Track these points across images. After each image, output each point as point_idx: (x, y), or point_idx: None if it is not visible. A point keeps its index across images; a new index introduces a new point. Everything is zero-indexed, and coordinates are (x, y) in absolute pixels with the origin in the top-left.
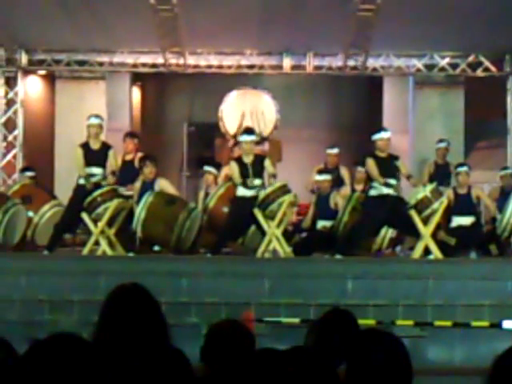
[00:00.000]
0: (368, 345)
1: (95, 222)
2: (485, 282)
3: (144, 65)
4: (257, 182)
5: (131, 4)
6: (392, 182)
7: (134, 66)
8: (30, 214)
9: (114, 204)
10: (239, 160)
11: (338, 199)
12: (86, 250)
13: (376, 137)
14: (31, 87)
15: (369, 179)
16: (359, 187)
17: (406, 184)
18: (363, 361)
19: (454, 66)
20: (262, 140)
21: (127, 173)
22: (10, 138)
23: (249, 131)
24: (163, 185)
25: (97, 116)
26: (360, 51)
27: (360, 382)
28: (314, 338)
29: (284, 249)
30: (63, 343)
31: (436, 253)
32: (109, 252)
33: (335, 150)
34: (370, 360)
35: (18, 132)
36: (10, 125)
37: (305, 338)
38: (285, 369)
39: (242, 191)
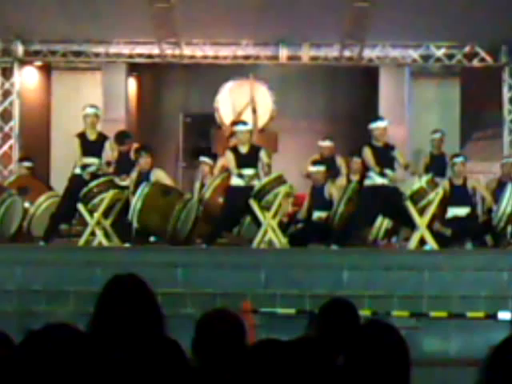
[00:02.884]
0: (366, 336)
1: (91, 212)
2: (480, 272)
3: (140, 55)
4: (251, 172)
5: None
6: (388, 172)
7: (130, 56)
8: (27, 204)
9: (110, 195)
10: (235, 149)
11: (332, 190)
12: (82, 241)
13: (372, 126)
14: (27, 78)
15: (365, 169)
16: (355, 178)
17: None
18: (361, 352)
19: (450, 57)
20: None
21: (123, 164)
22: (7, 128)
23: (245, 121)
24: (159, 175)
25: (92, 106)
26: (356, 42)
27: (358, 373)
28: (316, 329)
29: (280, 240)
30: (58, 333)
31: (432, 244)
32: (105, 243)
33: (327, 143)
34: (367, 351)
35: (15, 123)
36: (6, 116)
37: (306, 329)
38: (289, 359)
39: (236, 180)
